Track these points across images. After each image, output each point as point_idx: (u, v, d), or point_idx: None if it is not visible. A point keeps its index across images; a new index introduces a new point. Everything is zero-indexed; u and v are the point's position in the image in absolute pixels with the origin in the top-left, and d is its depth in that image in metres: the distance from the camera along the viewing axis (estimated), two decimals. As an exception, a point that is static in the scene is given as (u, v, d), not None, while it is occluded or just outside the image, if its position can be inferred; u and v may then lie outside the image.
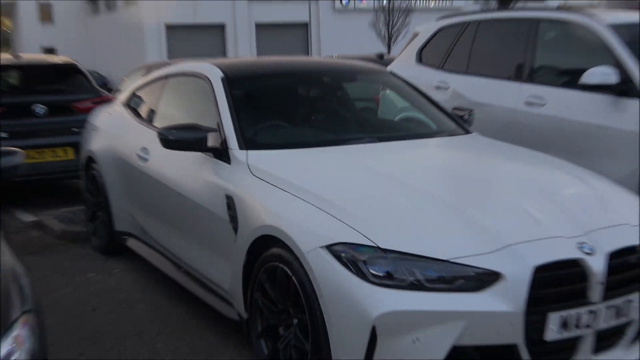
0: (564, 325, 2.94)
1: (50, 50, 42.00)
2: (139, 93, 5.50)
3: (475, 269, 2.90)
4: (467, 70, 6.68)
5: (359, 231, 3.03)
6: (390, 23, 36.72)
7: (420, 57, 7.33)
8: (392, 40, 35.74)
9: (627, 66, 5.35)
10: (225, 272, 3.78)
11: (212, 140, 4.03)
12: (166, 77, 5.13)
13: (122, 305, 4.59)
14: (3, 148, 3.61)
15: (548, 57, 6.17)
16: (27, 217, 6.94)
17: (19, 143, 6.98)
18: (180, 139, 4.02)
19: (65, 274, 5.24)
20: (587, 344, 3.06)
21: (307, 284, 3.08)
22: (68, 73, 8.07)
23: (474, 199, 3.36)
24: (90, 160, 5.73)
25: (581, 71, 5.51)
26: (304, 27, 42.88)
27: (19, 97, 7.57)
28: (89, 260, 5.55)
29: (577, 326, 2.97)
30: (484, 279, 2.89)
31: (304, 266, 3.09)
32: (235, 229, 3.64)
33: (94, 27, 47.44)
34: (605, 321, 3.05)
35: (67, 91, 7.74)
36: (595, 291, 2.99)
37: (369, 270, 2.92)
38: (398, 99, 5.01)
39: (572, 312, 2.95)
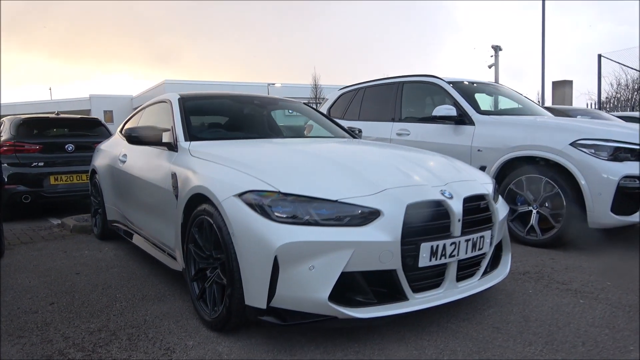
0: (433, 253, 2.11)
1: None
2: (128, 122, 4.54)
3: (360, 207, 2.06)
4: (358, 118, 5.97)
5: (264, 181, 2.16)
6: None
7: (329, 114, 6.58)
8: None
9: (462, 106, 4.72)
10: (171, 233, 2.82)
11: (166, 137, 3.13)
12: (146, 106, 4.19)
13: (100, 270, 3.52)
14: None
15: (409, 105, 5.50)
16: (56, 221, 5.74)
17: (57, 169, 6.03)
18: (141, 135, 3.11)
19: (66, 252, 4.12)
20: (452, 272, 2.22)
21: (223, 228, 2.17)
22: (94, 125, 6.97)
23: (357, 163, 2.54)
24: (94, 172, 4.68)
25: (430, 113, 4.88)
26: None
27: (58, 138, 6.43)
28: (88, 244, 4.42)
29: (443, 255, 2.14)
30: (367, 216, 2.05)
31: (221, 213, 2.19)
32: (176, 196, 2.71)
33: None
34: (465, 252, 2.23)
35: (91, 135, 6.63)
36: (456, 227, 2.18)
37: (272, 212, 2.04)
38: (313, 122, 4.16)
39: (439, 243, 2.12)
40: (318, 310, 1.98)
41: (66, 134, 6.56)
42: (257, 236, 2.01)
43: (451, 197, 2.21)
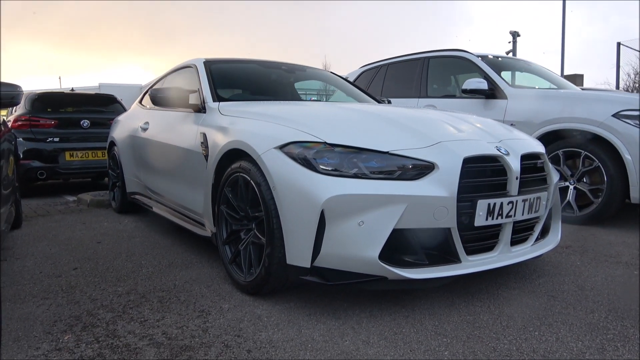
0: (490, 212, 1.94)
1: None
2: (149, 90, 4.37)
3: (413, 160, 1.89)
4: (381, 95, 5.77)
5: (307, 132, 2.00)
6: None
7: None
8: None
9: (494, 79, 4.53)
10: (199, 199, 2.67)
11: (192, 99, 2.99)
12: (168, 73, 4.02)
13: (122, 239, 3.38)
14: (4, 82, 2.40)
15: (436, 80, 5.31)
16: (71, 198, 5.64)
17: (72, 145, 5.90)
18: (166, 95, 2.97)
19: (85, 223, 4.00)
20: (507, 234, 2.06)
21: (262, 183, 2.02)
22: (109, 101, 6.84)
23: (405, 118, 2.35)
24: (112, 143, 4.55)
25: (458, 89, 4.72)
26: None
27: (73, 114, 6.28)
28: (107, 216, 4.29)
29: (500, 214, 1.98)
30: (420, 169, 1.89)
31: (261, 167, 2.04)
32: (206, 157, 2.56)
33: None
34: (522, 213, 2.06)
35: (106, 112, 6.50)
36: (513, 185, 2.01)
37: (317, 163, 1.88)
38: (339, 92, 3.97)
39: (497, 201, 1.96)
40: (366, 269, 1.83)
41: (82, 109, 6.42)
42: (302, 190, 1.86)
43: (507, 154, 2.04)
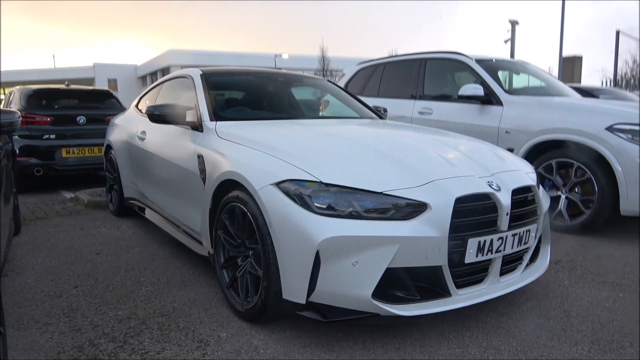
0: (480, 249, 2.00)
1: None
2: (144, 96, 4.37)
3: (406, 200, 1.94)
4: (377, 95, 5.78)
5: (304, 170, 2.03)
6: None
7: (347, 89, 6.37)
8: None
9: (489, 85, 4.54)
10: (197, 217, 2.72)
11: (190, 116, 3.00)
12: (164, 81, 4.02)
13: (120, 250, 3.45)
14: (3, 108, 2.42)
15: (432, 82, 5.30)
16: (68, 195, 5.67)
17: (68, 142, 5.90)
18: (164, 113, 2.98)
19: (83, 229, 4.05)
20: (496, 267, 2.13)
21: (259, 217, 2.06)
22: (105, 97, 6.80)
23: (399, 151, 2.38)
24: (109, 147, 4.56)
25: (454, 92, 4.75)
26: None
27: (69, 110, 6.25)
28: (104, 220, 4.35)
29: (490, 250, 2.04)
30: (413, 209, 1.93)
31: (257, 202, 2.08)
32: (204, 180, 2.60)
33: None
34: (511, 247, 2.12)
35: (102, 108, 6.48)
36: (503, 221, 2.07)
37: (313, 202, 1.92)
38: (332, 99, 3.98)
39: (487, 238, 2.01)
40: (360, 307, 1.89)
41: (77, 105, 6.40)
42: (298, 229, 1.90)
43: (499, 189, 2.09)
